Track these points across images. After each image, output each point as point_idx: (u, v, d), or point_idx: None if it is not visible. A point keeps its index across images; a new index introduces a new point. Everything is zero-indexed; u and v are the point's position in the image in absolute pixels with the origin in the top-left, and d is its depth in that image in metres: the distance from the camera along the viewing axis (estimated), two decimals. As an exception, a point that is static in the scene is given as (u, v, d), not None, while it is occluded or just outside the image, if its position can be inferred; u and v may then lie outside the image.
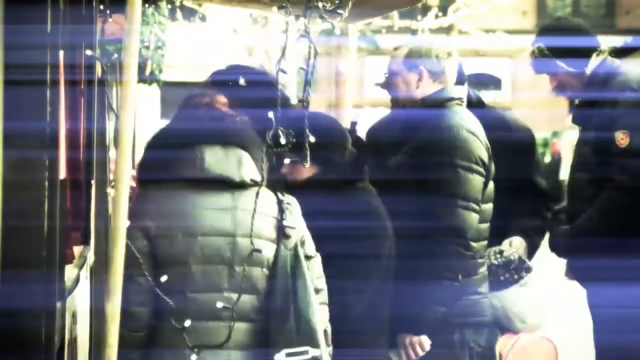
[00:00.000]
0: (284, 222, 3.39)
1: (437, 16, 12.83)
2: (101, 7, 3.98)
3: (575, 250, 4.63)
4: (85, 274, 4.48)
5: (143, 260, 3.27)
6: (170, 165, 3.36)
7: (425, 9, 13.16)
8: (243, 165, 3.37)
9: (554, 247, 4.72)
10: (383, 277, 3.95)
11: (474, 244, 4.13)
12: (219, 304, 3.30)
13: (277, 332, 3.32)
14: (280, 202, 3.42)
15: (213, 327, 3.31)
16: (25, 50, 2.91)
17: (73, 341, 3.87)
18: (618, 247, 4.41)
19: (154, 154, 3.41)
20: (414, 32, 14.58)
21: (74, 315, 3.88)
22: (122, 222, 3.09)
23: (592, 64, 4.67)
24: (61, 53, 3.19)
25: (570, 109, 4.86)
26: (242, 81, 3.78)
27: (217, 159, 3.34)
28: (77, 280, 3.94)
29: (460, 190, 4.07)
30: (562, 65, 4.70)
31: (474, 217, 4.11)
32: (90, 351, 4.64)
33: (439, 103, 4.22)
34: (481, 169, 4.14)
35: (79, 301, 4.11)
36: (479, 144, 4.15)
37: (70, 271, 3.81)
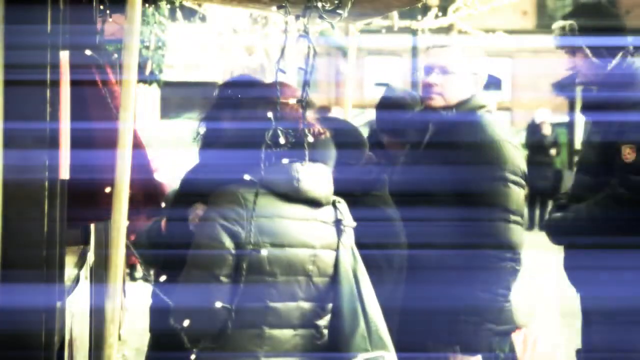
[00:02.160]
0: (343, 222, 3.38)
1: (437, 16, 12.80)
2: (101, 7, 3.98)
3: (564, 234, 4.59)
4: (85, 274, 4.48)
5: (230, 262, 3.22)
6: (255, 170, 3.27)
7: (425, 9, 13.15)
8: (328, 180, 3.38)
9: (547, 229, 4.61)
10: (395, 286, 3.91)
11: (521, 258, 4.06)
12: (294, 313, 3.29)
13: (348, 336, 3.28)
14: (334, 204, 3.41)
15: (286, 334, 3.30)
16: (25, 50, 2.91)
17: (72, 341, 3.87)
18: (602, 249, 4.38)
19: (238, 156, 3.30)
20: (414, 32, 14.56)
21: (73, 315, 3.89)
22: (122, 222, 3.09)
23: (614, 62, 4.55)
24: (61, 53, 3.19)
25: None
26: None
27: (309, 177, 3.31)
28: (77, 280, 3.95)
29: (512, 205, 3.99)
30: (587, 51, 4.58)
31: (522, 231, 4.04)
32: (90, 351, 4.64)
33: (472, 109, 4.13)
34: (523, 182, 4.08)
35: (79, 301, 4.11)
36: (520, 156, 4.10)
37: (70, 271, 3.82)
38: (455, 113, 4.10)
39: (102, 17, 3.98)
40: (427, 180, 4.03)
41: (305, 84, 3.15)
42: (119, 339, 6.24)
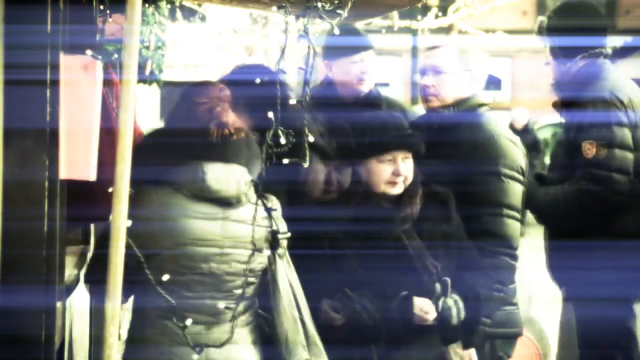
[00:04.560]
0: (273, 229, 3.40)
1: (437, 16, 12.84)
2: (101, 7, 3.98)
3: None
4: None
5: (144, 261, 3.27)
6: (167, 170, 3.35)
7: (425, 9, 13.17)
8: (241, 182, 3.39)
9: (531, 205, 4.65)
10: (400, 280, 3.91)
11: (517, 254, 4.08)
12: (218, 306, 3.33)
13: (290, 346, 3.33)
14: (267, 209, 3.43)
15: (198, 329, 3.34)
16: (25, 50, 2.91)
17: (72, 341, 3.87)
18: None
19: (153, 156, 3.37)
20: (414, 32, 14.58)
21: (73, 315, 3.89)
22: (122, 222, 3.09)
23: (581, 62, 4.61)
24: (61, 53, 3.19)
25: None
26: (257, 80, 3.73)
27: (218, 177, 3.34)
28: (77, 280, 3.94)
29: (507, 200, 4.02)
30: (556, 49, 4.66)
31: (518, 226, 4.06)
32: (90, 351, 4.64)
33: (471, 107, 4.16)
34: (522, 178, 4.09)
35: (79, 301, 4.11)
36: (519, 152, 4.11)
37: (70, 271, 3.81)
38: (456, 112, 4.13)
39: (102, 17, 3.97)
40: (428, 176, 4.05)
41: (306, 84, 3.15)
42: (119, 339, 6.23)
